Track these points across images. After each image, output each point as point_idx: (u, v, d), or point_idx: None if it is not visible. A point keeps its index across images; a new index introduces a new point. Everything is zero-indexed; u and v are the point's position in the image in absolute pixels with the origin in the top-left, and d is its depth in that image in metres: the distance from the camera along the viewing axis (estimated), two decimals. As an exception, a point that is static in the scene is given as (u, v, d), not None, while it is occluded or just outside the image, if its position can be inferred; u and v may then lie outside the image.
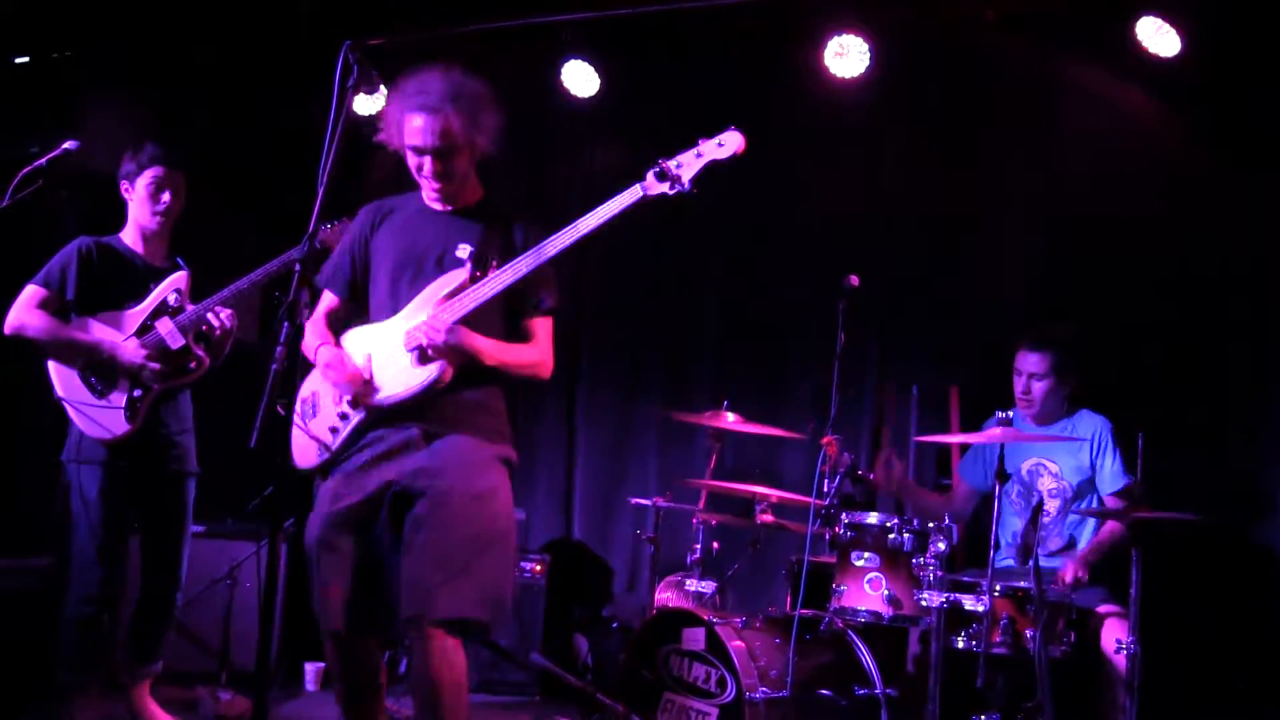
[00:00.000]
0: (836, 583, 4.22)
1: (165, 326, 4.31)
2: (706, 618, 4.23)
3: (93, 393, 4.27)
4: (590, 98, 6.27)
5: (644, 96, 6.41)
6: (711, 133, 3.16)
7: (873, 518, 4.24)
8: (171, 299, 4.39)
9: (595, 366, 6.60)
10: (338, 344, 3.49)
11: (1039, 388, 4.66)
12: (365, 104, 5.64)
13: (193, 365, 4.37)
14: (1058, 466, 4.66)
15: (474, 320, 3.28)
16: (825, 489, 4.45)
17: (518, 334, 3.44)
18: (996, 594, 3.95)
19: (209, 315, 4.29)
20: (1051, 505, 4.65)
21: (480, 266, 3.32)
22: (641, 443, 6.46)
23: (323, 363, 3.41)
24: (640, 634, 4.47)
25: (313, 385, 3.53)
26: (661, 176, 3.13)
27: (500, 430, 3.43)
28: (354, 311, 3.57)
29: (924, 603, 4.00)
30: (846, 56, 5.73)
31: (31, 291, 4.31)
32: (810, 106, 5.99)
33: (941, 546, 4.07)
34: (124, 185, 4.44)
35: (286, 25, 6.05)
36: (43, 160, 4.05)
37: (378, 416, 3.35)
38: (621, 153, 6.51)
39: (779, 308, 6.14)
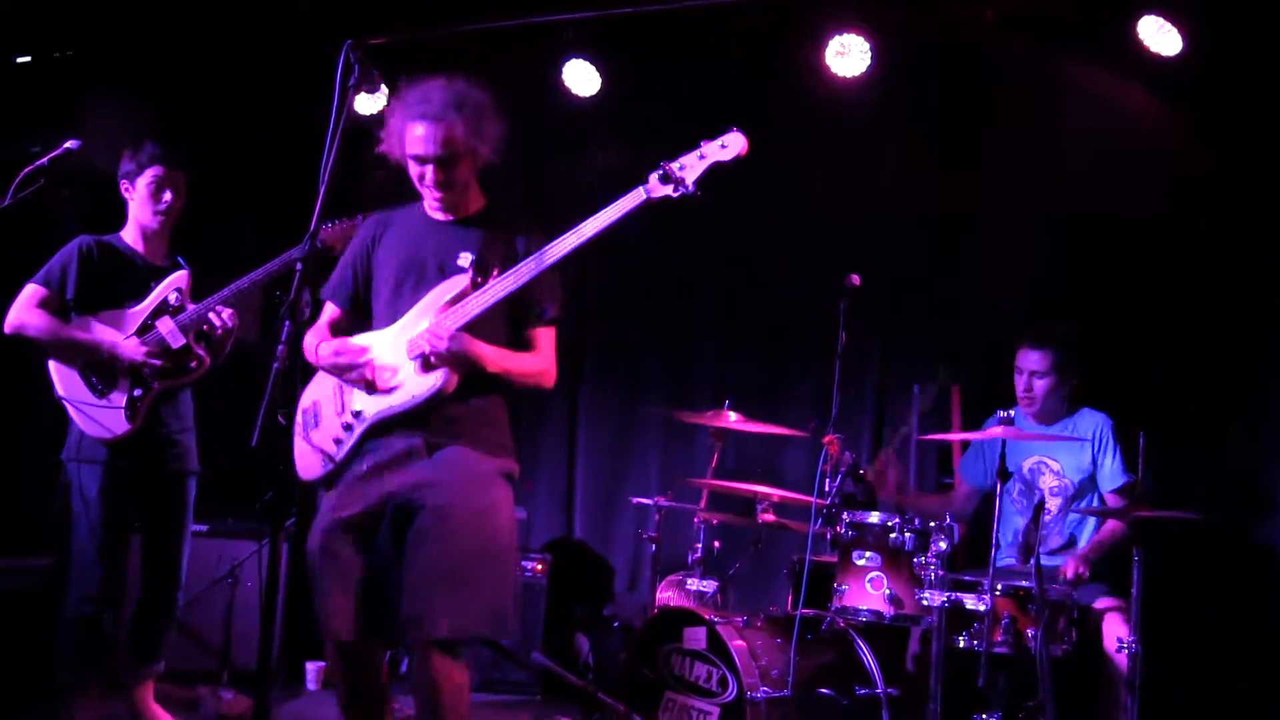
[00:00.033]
0: (838, 582, 4.22)
1: (166, 326, 4.31)
2: (708, 617, 4.23)
3: (93, 392, 4.27)
4: (591, 97, 6.27)
5: (645, 96, 6.40)
6: (713, 133, 3.15)
7: (874, 517, 4.24)
8: (172, 298, 4.39)
9: (597, 366, 6.60)
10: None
11: (1040, 386, 4.66)
12: (366, 103, 5.65)
13: (193, 365, 4.37)
14: (1059, 464, 4.66)
15: (476, 328, 3.26)
16: (827, 488, 4.46)
17: (520, 343, 3.42)
18: (998, 593, 3.95)
19: (210, 314, 4.28)
20: (1053, 503, 4.65)
21: (482, 273, 3.30)
22: (643, 442, 6.46)
23: (330, 351, 3.40)
24: (641, 633, 4.47)
25: (313, 395, 3.50)
26: (665, 179, 3.11)
27: (503, 443, 3.41)
28: (356, 323, 3.55)
29: (925, 602, 4.00)
30: (847, 56, 5.73)
31: (31, 291, 4.31)
32: (811, 106, 5.99)
33: (943, 546, 4.07)
34: (124, 184, 4.43)
35: (286, 25, 6.05)
36: (44, 160, 4.06)
37: (381, 425, 3.33)
38: (623, 152, 6.51)
39: (780, 307, 6.14)
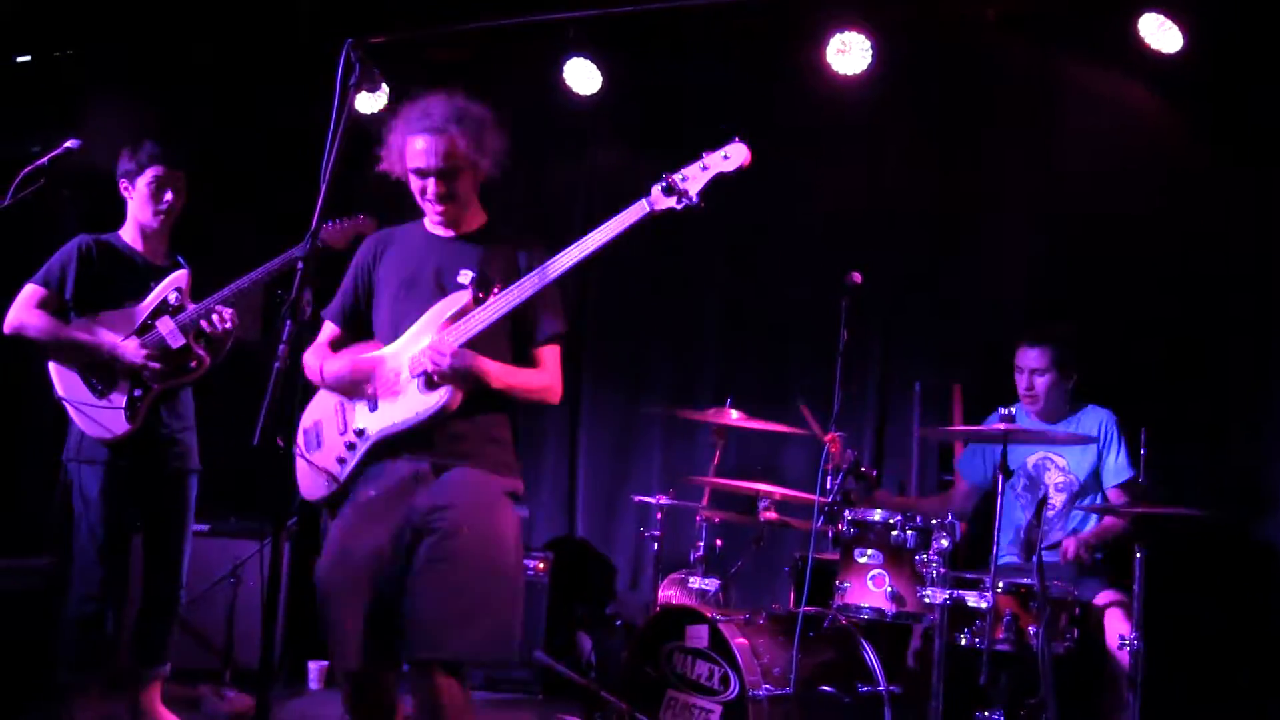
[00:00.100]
0: (840, 580, 4.22)
1: (166, 326, 4.30)
2: (710, 615, 4.23)
3: (93, 393, 4.27)
4: (592, 96, 6.27)
5: (646, 94, 6.41)
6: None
7: (876, 515, 4.23)
8: (172, 298, 4.39)
9: (599, 364, 6.60)
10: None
11: (1042, 383, 4.66)
12: (367, 102, 5.65)
13: (193, 364, 4.37)
14: (1065, 460, 4.66)
15: (479, 345, 3.23)
16: (828, 486, 4.45)
17: (525, 361, 3.40)
18: (1000, 590, 3.95)
19: (210, 314, 4.28)
20: (1057, 499, 4.65)
21: (483, 289, 3.28)
22: (644, 440, 6.46)
23: (337, 370, 3.37)
24: (643, 631, 4.47)
25: (315, 415, 3.48)
26: (668, 191, 3.09)
27: (508, 463, 3.39)
28: (356, 342, 3.51)
29: (927, 599, 4.00)
30: (848, 54, 5.73)
31: (31, 291, 4.31)
32: (812, 104, 5.99)
33: (944, 543, 4.07)
34: (123, 184, 4.43)
35: (287, 24, 6.05)
36: (44, 159, 4.06)
37: (384, 445, 3.31)
38: (623, 151, 6.51)
39: (781, 305, 6.14)
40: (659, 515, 5.34)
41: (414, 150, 3.32)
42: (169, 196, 4.39)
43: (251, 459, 2.69)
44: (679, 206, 3.10)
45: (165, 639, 4.39)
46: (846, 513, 4.31)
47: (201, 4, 5.93)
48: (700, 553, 5.10)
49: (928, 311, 5.82)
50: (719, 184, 3.13)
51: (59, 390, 4.29)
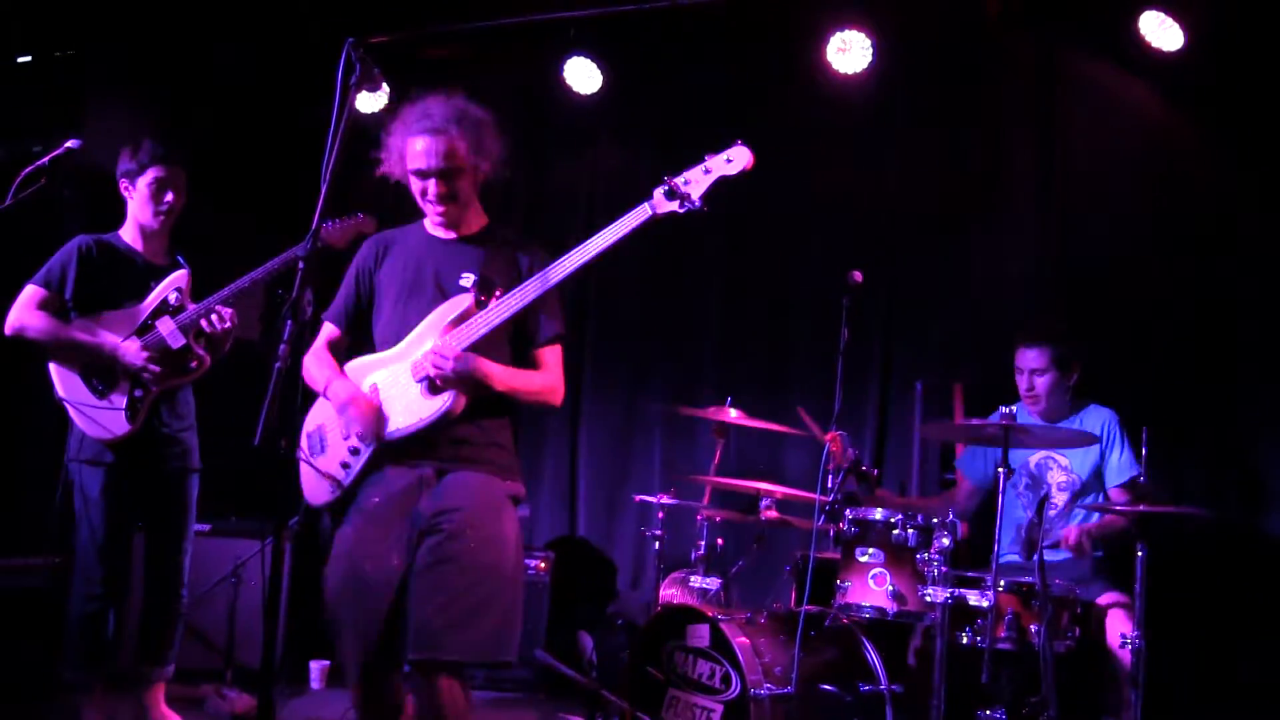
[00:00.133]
0: (841, 579, 4.21)
1: (166, 326, 4.30)
2: (711, 614, 4.23)
3: (94, 394, 4.27)
4: (593, 94, 6.27)
5: (647, 93, 6.40)
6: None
7: (877, 513, 4.22)
8: (172, 298, 4.39)
9: (599, 364, 6.60)
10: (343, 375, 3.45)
11: (1042, 383, 4.66)
12: (368, 102, 5.65)
13: (194, 364, 4.37)
14: (1068, 460, 4.65)
15: (481, 348, 3.23)
16: (829, 485, 4.45)
17: (526, 362, 3.40)
18: (1001, 589, 3.95)
19: (210, 314, 4.28)
20: (1059, 498, 4.65)
21: (485, 292, 3.28)
22: (645, 440, 6.46)
23: (339, 401, 3.35)
24: (645, 631, 4.46)
25: (318, 419, 3.47)
26: (670, 195, 3.08)
27: (510, 465, 3.39)
28: (356, 343, 3.53)
29: (928, 598, 3.99)
30: (849, 53, 5.74)
31: (31, 292, 4.30)
32: (812, 103, 5.99)
33: (945, 542, 4.06)
34: (123, 184, 4.42)
35: (288, 22, 6.05)
36: (45, 159, 4.05)
37: (388, 450, 3.30)
38: (624, 150, 6.52)
39: (782, 304, 6.14)
40: (660, 514, 5.34)
41: (414, 151, 3.31)
42: (169, 197, 4.39)
43: (252, 459, 2.69)
44: (681, 210, 3.09)
45: (169, 639, 4.39)
46: (848, 511, 4.31)
47: (202, 3, 5.92)
48: (701, 552, 5.10)
49: (929, 311, 5.81)
50: (721, 182, 3.13)
51: (60, 391, 4.29)
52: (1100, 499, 4.63)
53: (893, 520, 4.16)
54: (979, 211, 5.80)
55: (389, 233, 3.58)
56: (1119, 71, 5.51)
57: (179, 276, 4.44)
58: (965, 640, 3.96)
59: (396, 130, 3.37)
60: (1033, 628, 3.93)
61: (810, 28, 5.79)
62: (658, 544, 5.26)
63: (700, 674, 4.21)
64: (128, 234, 4.46)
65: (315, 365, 3.46)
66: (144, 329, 4.32)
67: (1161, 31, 5.21)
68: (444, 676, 3.10)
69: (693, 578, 5.12)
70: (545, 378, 3.40)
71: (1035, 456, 4.72)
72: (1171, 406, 5.09)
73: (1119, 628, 4.14)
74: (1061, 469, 4.67)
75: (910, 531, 4.14)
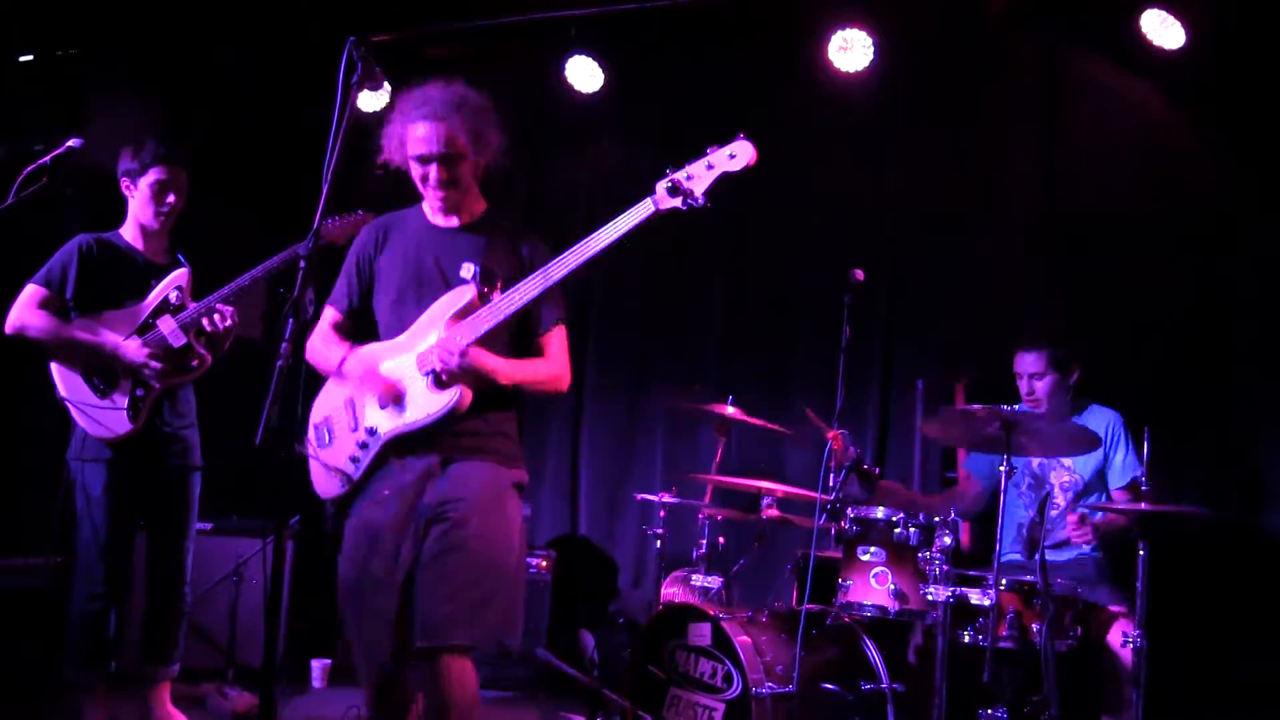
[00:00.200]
0: (842, 577, 4.21)
1: (167, 325, 4.30)
2: (712, 613, 4.23)
3: (95, 393, 4.27)
4: (594, 93, 6.27)
5: (648, 92, 6.40)
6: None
7: (879, 512, 4.22)
8: (173, 297, 4.38)
9: (600, 364, 6.60)
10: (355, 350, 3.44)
11: (1042, 387, 4.65)
12: (369, 100, 5.65)
13: (195, 363, 4.37)
14: (1071, 460, 4.65)
15: (483, 340, 3.23)
16: (831, 483, 4.45)
17: (530, 350, 3.40)
18: (1002, 588, 3.95)
19: (211, 313, 4.28)
20: (1061, 498, 4.64)
21: (487, 283, 3.28)
22: (647, 438, 6.46)
23: (357, 375, 3.34)
24: (646, 630, 4.47)
25: (325, 410, 3.46)
26: (673, 191, 3.06)
27: (515, 454, 3.40)
28: (359, 329, 3.52)
29: (930, 597, 4.00)
30: (850, 51, 5.74)
31: (32, 291, 4.30)
32: (814, 101, 5.99)
33: (947, 541, 4.06)
34: (125, 183, 4.42)
35: (288, 21, 6.05)
36: (46, 158, 4.05)
37: (396, 442, 3.30)
38: (625, 149, 6.51)
39: (784, 303, 6.14)
40: (661, 513, 5.34)
41: (415, 137, 3.30)
42: (171, 198, 4.39)
43: (254, 458, 2.69)
44: (684, 207, 3.07)
45: (173, 638, 4.38)
46: (849, 510, 4.31)
47: (202, 3, 5.92)
48: (703, 550, 5.10)
49: (930, 309, 5.81)
50: (722, 180, 3.12)
51: (61, 391, 4.29)
52: (1103, 499, 4.63)
53: (894, 519, 4.16)
54: (979, 210, 5.79)
55: (388, 217, 3.56)
56: (1120, 71, 5.51)
57: (180, 275, 4.43)
58: (967, 639, 3.96)
59: (396, 116, 3.36)
60: (1034, 627, 3.93)
61: (811, 26, 5.79)
62: (659, 542, 5.27)
63: (702, 673, 4.21)
64: (128, 233, 4.46)
65: (323, 346, 3.46)
66: (145, 328, 4.31)
67: (1163, 30, 5.21)
68: (453, 659, 3.12)
69: (694, 576, 5.12)
70: (550, 366, 3.40)
71: (1038, 457, 4.72)
72: (1171, 406, 5.09)
73: (1120, 627, 4.14)
74: (1065, 469, 4.66)
75: (912, 530, 4.14)
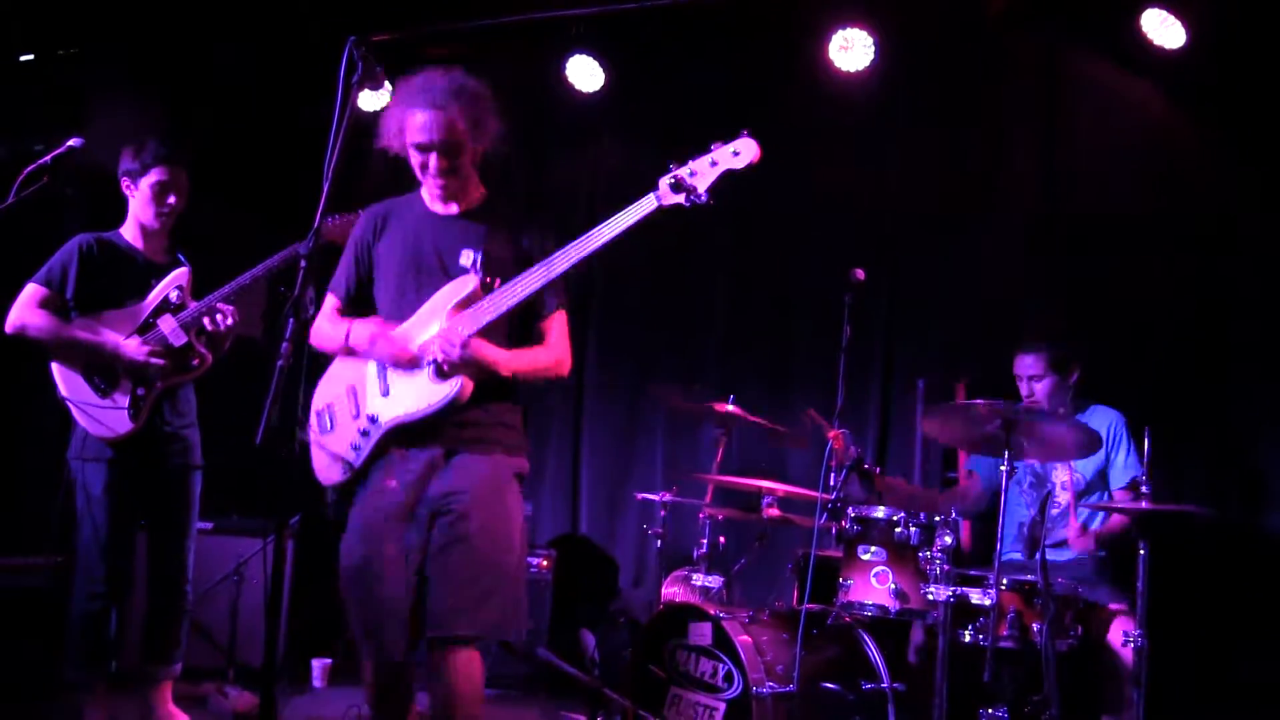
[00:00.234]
0: (843, 577, 4.21)
1: (168, 324, 4.30)
2: (713, 612, 4.23)
3: (96, 392, 4.26)
4: (595, 93, 6.27)
5: (648, 91, 6.40)
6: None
7: (879, 512, 4.22)
8: (173, 296, 4.38)
9: (601, 363, 6.60)
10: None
11: (1041, 389, 4.65)
12: (369, 99, 5.65)
13: (195, 362, 4.37)
14: (1073, 460, 4.65)
15: (484, 330, 3.23)
16: (832, 483, 4.45)
17: (531, 337, 3.41)
18: (1003, 587, 3.95)
19: (212, 312, 4.28)
20: (1062, 497, 4.64)
21: (488, 272, 3.28)
22: (648, 438, 6.46)
23: (366, 340, 3.32)
24: (647, 629, 4.47)
25: (326, 397, 3.47)
26: (676, 187, 3.06)
27: (517, 443, 3.40)
28: (358, 315, 3.50)
29: (931, 597, 4.00)
30: (851, 51, 5.74)
31: (32, 290, 4.30)
32: (814, 100, 5.99)
33: (948, 540, 4.06)
34: (125, 183, 4.41)
35: (288, 21, 6.05)
36: (47, 158, 4.04)
37: (397, 431, 3.31)
38: (626, 148, 6.51)
39: (785, 302, 6.14)
40: (662, 512, 5.34)
41: (414, 125, 3.30)
42: (172, 199, 4.38)
43: (254, 457, 2.69)
44: (687, 204, 3.07)
45: (175, 638, 4.38)
46: (850, 510, 4.31)
47: (202, 3, 5.92)
48: (703, 550, 5.09)
49: (930, 309, 5.81)
50: (725, 179, 3.11)
51: (62, 391, 4.29)
52: (1104, 498, 4.63)
53: (895, 518, 4.16)
54: (979, 210, 5.79)
55: (386, 203, 3.56)
56: (1120, 71, 5.51)
57: (180, 274, 4.43)
58: (967, 638, 3.96)
59: (395, 104, 3.36)
60: (1035, 626, 3.93)
61: (812, 26, 5.79)
62: (660, 542, 5.27)
63: (702, 672, 4.21)
64: (129, 232, 4.46)
65: (328, 325, 3.47)
66: (145, 327, 4.31)
67: (1163, 30, 5.21)
68: (459, 650, 3.14)
69: (695, 576, 5.12)
70: (550, 353, 3.40)
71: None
72: (1172, 406, 5.09)
73: (1121, 626, 4.15)
74: (1066, 468, 4.66)
75: (913, 529, 4.14)
